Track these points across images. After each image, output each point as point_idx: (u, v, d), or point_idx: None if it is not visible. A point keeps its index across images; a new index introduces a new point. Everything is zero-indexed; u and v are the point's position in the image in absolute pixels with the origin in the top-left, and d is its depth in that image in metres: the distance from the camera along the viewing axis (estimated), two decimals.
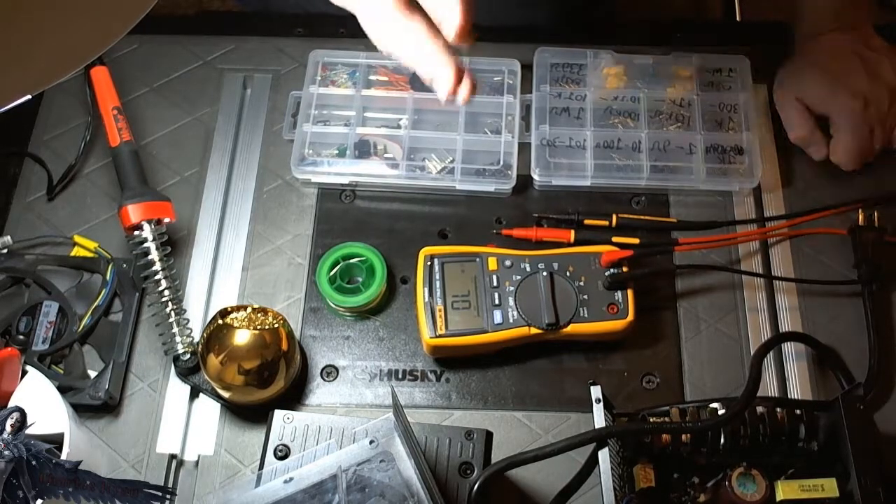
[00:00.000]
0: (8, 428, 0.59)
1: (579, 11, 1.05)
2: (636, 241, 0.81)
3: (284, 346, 0.71)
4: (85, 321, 0.77)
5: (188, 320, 0.75)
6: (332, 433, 0.66)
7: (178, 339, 0.74)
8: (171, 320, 0.74)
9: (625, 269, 0.75)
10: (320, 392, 0.77)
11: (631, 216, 0.83)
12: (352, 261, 0.79)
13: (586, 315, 0.74)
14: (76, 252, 0.81)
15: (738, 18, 1.15)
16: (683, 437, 0.65)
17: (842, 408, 0.63)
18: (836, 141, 0.84)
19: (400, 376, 0.77)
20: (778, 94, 0.88)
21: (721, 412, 0.65)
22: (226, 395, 0.73)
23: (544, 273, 0.74)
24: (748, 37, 0.95)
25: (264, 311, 0.72)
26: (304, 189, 0.86)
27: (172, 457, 0.74)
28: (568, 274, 0.75)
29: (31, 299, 0.78)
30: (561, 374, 0.77)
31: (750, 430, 0.64)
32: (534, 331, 0.73)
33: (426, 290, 0.74)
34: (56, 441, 0.62)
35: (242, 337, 0.69)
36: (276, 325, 0.71)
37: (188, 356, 0.74)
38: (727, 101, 0.87)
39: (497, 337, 0.73)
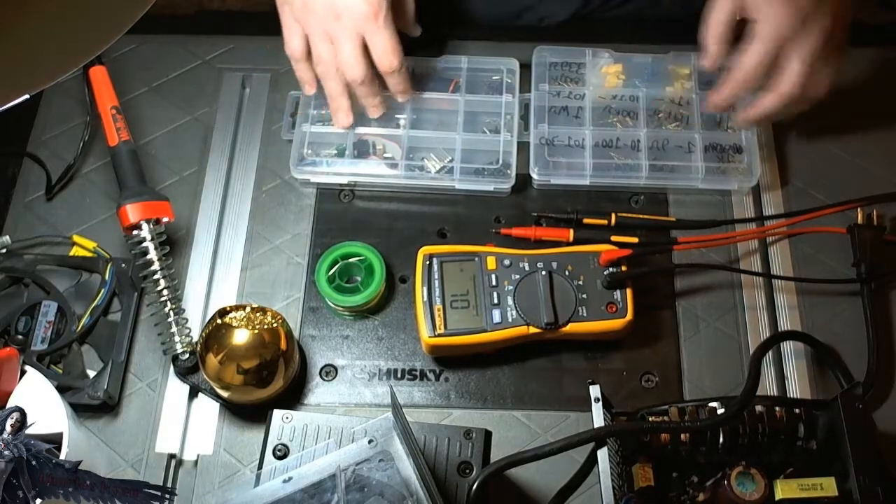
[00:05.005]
0: (8, 428, 0.59)
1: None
2: (635, 240, 0.81)
3: (283, 345, 0.71)
4: (84, 321, 0.77)
5: (187, 320, 0.75)
6: (331, 433, 0.66)
7: (176, 338, 0.74)
8: (169, 320, 0.74)
9: (624, 268, 0.75)
10: (319, 391, 0.77)
11: (630, 215, 0.83)
12: (351, 260, 0.79)
13: (585, 314, 0.74)
14: (75, 252, 0.81)
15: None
16: (682, 436, 0.65)
17: (841, 407, 0.63)
18: (749, 46, 0.76)
19: (399, 376, 0.77)
20: None
21: (720, 411, 0.65)
22: (225, 394, 0.73)
23: (543, 272, 0.74)
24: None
25: (263, 310, 0.72)
26: (302, 189, 0.86)
27: (171, 456, 0.74)
28: (567, 273, 0.75)
29: (30, 299, 0.78)
30: (560, 373, 0.77)
31: (749, 429, 0.64)
32: (533, 330, 0.73)
33: (425, 289, 0.74)
34: (55, 441, 0.62)
35: (241, 336, 0.69)
36: (274, 325, 0.71)
37: (187, 356, 0.74)
38: None
39: (496, 336, 0.73)
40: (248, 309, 0.72)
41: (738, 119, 0.83)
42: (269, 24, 0.95)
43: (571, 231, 0.82)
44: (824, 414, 0.65)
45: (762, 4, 0.76)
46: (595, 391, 0.64)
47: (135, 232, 0.74)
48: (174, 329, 0.74)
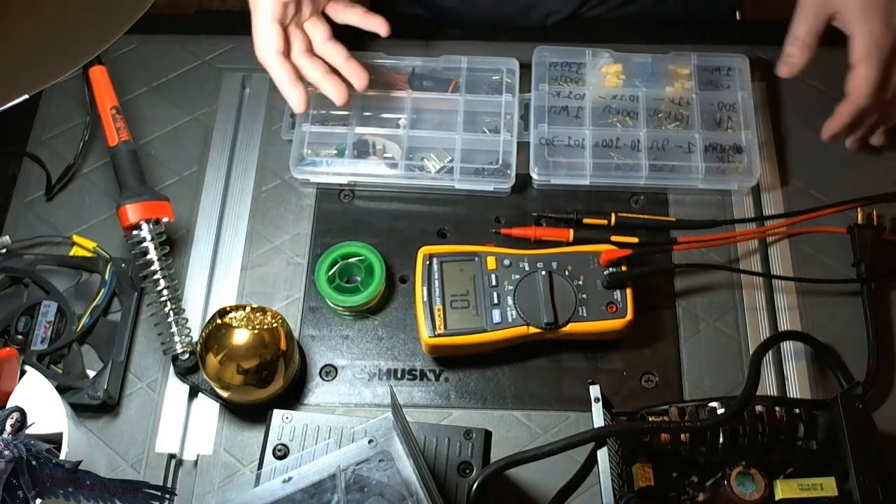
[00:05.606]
0: (8, 428, 0.59)
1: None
2: (635, 240, 0.81)
3: (283, 345, 0.71)
4: (84, 321, 0.77)
5: (187, 320, 0.75)
6: (331, 433, 0.66)
7: (176, 338, 0.74)
8: (169, 320, 0.74)
9: (624, 268, 0.75)
10: (319, 391, 0.77)
11: (630, 215, 0.83)
12: (350, 260, 0.79)
13: (585, 314, 0.74)
14: (75, 252, 0.82)
15: (737, 17, 1.15)
16: (682, 436, 0.64)
17: (840, 407, 0.63)
18: (857, 70, 0.76)
19: (399, 376, 0.77)
20: None
21: (720, 411, 0.65)
22: (225, 394, 0.73)
23: (543, 272, 0.74)
24: (747, 36, 0.95)
25: (263, 310, 0.72)
26: (302, 189, 0.86)
27: (171, 456, 0.74)
28: (567, 273, 0.75)
29: (30, 299, 0.78)
30: (560, 373, 0.77)
31: (749, 429, 0.64)
32: (533, 330, 0.73)
33: (425, 289, 0.74)
34: (55, 441, 0.62)
35: (241, 336, 0.69)
36: (274, 325, 0.71)
37: (187, 356, 0.74)
38: (726, 99, 0.87)
39: (496, 336, 0.73)
40: (248, 309, 0.72)
41: (851, 141, 0.86)
42: None
43: (571, 231, 0.82)
44: (824, 414, 0.65)
45: (858, 19, 0.75)
46: (595, 391, 0.64)
47: (135, 232, 0.74)
48: (174, 329, 0.74)
